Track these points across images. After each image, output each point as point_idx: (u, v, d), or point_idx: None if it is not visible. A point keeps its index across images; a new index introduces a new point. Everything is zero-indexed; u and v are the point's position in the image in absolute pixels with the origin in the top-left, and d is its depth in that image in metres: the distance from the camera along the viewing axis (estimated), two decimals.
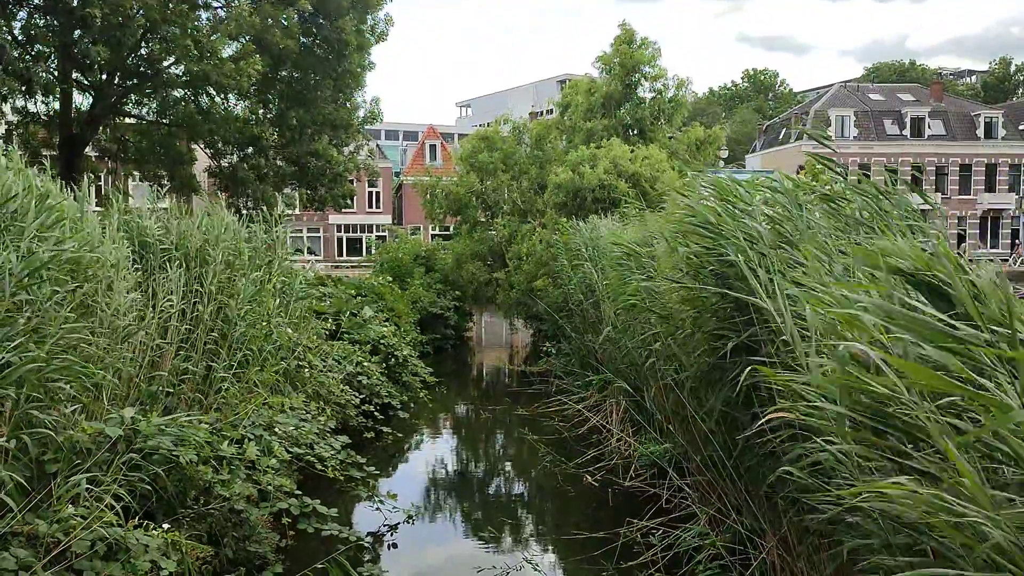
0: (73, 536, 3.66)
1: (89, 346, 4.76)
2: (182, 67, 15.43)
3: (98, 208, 7.25)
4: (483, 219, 21.32)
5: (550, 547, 6.96)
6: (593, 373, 10.46)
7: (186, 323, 6.21)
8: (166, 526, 4.17)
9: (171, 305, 5.97)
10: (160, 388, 5.57)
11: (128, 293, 5.21)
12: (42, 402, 4.08)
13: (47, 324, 4.07)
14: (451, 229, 25.09)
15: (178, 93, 16.52)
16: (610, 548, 6.51)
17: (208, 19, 16.13)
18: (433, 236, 33.19)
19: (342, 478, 7.06)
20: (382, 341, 12.09)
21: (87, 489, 4.10)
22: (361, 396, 9.90)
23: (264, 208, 13.70)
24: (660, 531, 6.41)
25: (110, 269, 5.18)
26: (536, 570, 6.42)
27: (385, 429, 9.45)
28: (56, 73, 15.45)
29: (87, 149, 17.02)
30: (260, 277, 7.66)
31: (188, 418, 5.22)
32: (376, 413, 10.09)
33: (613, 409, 9.78)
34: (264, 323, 7.34)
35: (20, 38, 15.20)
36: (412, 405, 11.67)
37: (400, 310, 15.64)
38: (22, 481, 3.71)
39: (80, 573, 3.79)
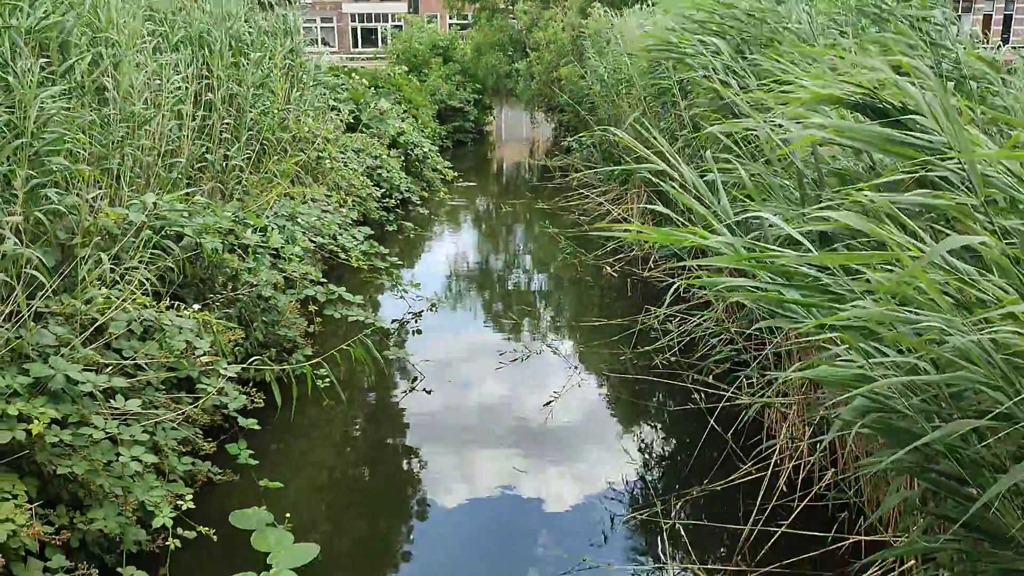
0: (109, 315, 3.78)
1: (98, 129, 4.72)
2: None
3: None
4: (503, 5, 20.34)
5: (569, 334, 7.18)
6: (615, 165, 10.33)
7: (199, 109, 6.09)
8: (197, 307, 4.29)
9: (182, 88, 5.83)
10: (179, 175, 5.56)
11: (139, 72, 5.07)
12: (49, 181, 4.07)
13: (31, 101, 3.98)
14: (469, 17, 24.05)
15: None
16: (627, 334, 6.71)
17: None
18: (450, 25, 31.89)
19: (366, 268, 7.19)
20: (401, 136, 11.93)
21: (117, 273, 4.19)
22: (381, 190, 9.90)
23: None
24: (677, 318, 6.57)
25: (119, 46, 5.02)
26: (555, 354, 6.65)
27: (406, 223, 9.52)
28: None
29: None
30: (270, 62, 7.44)
31: (208, 202, 5.24)
32: (397, 207, 10.13)
33: (634, 201, 9.75)
34: (277, 111, 7.21)
35: None
36: (432, 200, 11.69)
37: (418, 103, 15.31)
38: (46, 265, 3.78)
39: (119, 352, 3.95)
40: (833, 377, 2.66)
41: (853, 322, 2.48)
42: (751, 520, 4.02)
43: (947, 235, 2.60)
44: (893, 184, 3.03)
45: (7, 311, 3.51)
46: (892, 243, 2.43)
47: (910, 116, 3.02)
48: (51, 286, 3.65)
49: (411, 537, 4.32)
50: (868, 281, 2.65)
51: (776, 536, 3.95)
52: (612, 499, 4.57)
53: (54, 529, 3.24)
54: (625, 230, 3.72)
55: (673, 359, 6.14)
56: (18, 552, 3.09)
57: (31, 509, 3.15)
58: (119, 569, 3.36)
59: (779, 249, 3.14)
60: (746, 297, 3.39)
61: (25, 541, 3.05)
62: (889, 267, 2.65)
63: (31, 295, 3.56)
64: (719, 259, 3.24)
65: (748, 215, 3.67)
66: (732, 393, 5.12)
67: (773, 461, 4.41)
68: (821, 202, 3.50)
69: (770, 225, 3.53)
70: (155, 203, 4.43)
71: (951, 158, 2.70)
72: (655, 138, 4.25)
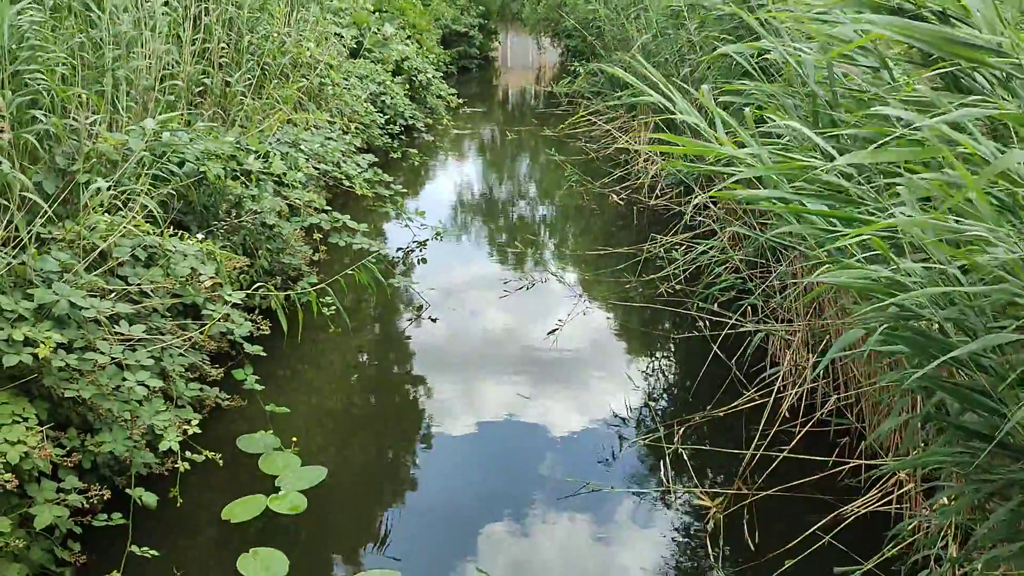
0: (111, 240, 3.76)
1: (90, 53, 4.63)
2: None
3: None
4: None
5: (575, 262, 7.16)
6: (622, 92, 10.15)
7: (197, 32, 5.97)
8: (200, 236, 4.27)
9: (177, 10, 5.70)
10: (178, 99, 5.48)
11: None
12: (41, 105, 4.01)
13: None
14: None
15: None
16: (633, 262, 6.69)
17: None
18: None
19: (370, 196, 7.15)
20: (405, 62, 11.72)
21: (118, 199, 4.16)
22: (385, 117, 9.78)
23: None
24: (683, 246, 6.54)
25: None
26: (561, 282, 6.65)
27: (411, 150, 9.41)
28: None
29: None
30: None
31: (210, 125, 5.18)
32: (401, 135, 10.01)
33: (642, 129, 9.61)
34: (277, 35, 7.06)
35: None
36: (436, 127, 11.55)
37: (422, 28, 15.00)
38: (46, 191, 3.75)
39: (124, 279, 3.95)
40: (861, 285, 2.60)
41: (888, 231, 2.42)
42: (753, 445, 4.06)
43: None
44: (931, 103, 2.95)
45: (6, 235, 3.49)
46: (948, 155, 2.36)
47: (952, 21, 2.93)
48: (48, 210, 3.62)
49: (416, 462, 4.38)
50: (898, 194, 2.61)
51: (777, 461, 4.00)
52: (616, 425, 4.62)
53: (65, 451, 3.28)
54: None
55: (678, 287, 6.13)
56: (31, 473, 3.14)
57: (42, 432, 3.18)
58: (128, 490, 3.42)
59: (807, 158, 3.05)
60: (776, 210, 3.33)
61: (38, 462, 3.10)
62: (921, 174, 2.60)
63: (30, 222, 3.54)
64: (745, 172, 3.17)
65: (771, 127, 3.57)
66: (736, 321, 5.12)
67: (776, 388, 4.44)
68: (836, 124, 3.44)
69: (794, 133, 3.45)
70: (155, 129, 4.37)
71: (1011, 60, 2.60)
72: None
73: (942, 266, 2.37)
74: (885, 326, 2.63)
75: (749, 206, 4.74)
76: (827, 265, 3.04)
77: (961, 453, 2.55)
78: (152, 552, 3.37)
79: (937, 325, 2.53)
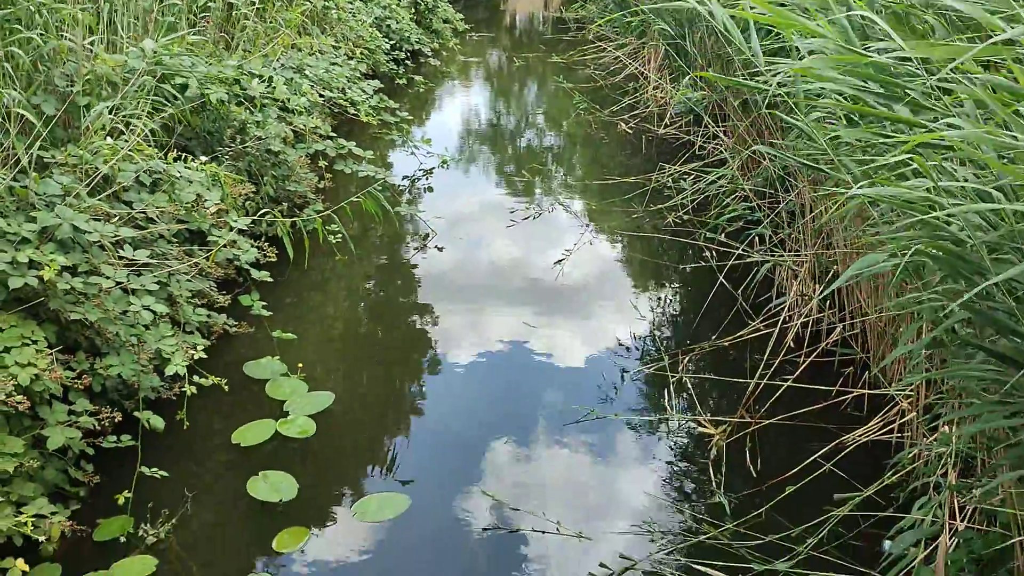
0: (113, 162, 3.73)
1: None
2: None
3: None
4: None
5: (582, 191, 7.10)
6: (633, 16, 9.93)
7: None
8: (204, 159, 4.23)
9: None
10: (178, 20, 5.38)
11: None
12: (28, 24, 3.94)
13: None
14: None
15: None
16: (641, 192, 6.63)
17: None
18: None
19: (375, 123, 7.06)
20: None
21: (119, 123, 4.11)
22: (391, 42, 9.60)
23: None
24: (692, 176, 6.47)
25: None
26: (568, 212, 6.61)
27: (416, 77, 9.26)
28: None
29: None
30: None
31: (210, 44, 5.09)
32: (406, 60, 9.84)
33: (652, 56, 9.43)
34: None
35: None
36: (443, 52, 11.34)
37: None
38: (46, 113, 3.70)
39: (129, 204, 3.93)
40: (898, 199, 2.54)
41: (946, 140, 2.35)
42: (757, 375, 4.08)
43: None
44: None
45: (5, 156, 3.46)
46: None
47: None
48: (45, 132, 3.58)
49: (423, 388, 4.42)
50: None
51: (781, 390, 4.02)
52: (621, 354, 4.64)
53: (75, 374, 3.32)
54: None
55: (686, 217, 6.09)
56: (43, 395, 3.18)
57: (51, 355, 3.21)
58: (136, 413, 3.46)
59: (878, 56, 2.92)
60: (841, 109, 3.23)
61: (48, 384, 3.13)
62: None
63: (30, 145, 3.50)
64: (812, 62, 3.05)
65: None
66: (743, 251, 5.10)
67: (782, 318, 4.44)
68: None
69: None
70: (155, 50, 4.29)
71: None
72: None
73: (984, 187, 2.31)
74: (918, 245, 2.56)
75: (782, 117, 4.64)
76: (837, 191, 2.99)
77: (990, 370, 2.54)
78: (162, 473, 3.43)
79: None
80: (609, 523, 3.43)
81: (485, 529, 3.41)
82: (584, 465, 3.80)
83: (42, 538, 3.00)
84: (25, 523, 2.88)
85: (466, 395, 4.38)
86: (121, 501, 3.32)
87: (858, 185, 2.79)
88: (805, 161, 3.77)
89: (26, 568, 2.89)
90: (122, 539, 3.26)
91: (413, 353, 4.74)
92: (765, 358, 4.17)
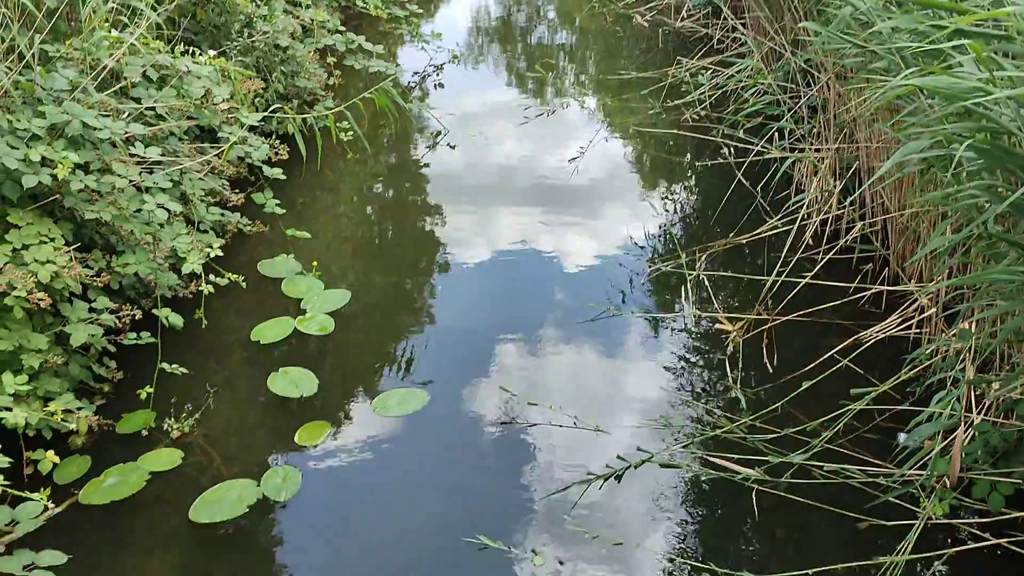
0: (118, 54, 3.63)
1: None
2: None
3: None
4: None
5: (597, 88, 6.94)
6: None
7: None
8: (213, 53, 4.12)
9: None
10: None
11: None
12: None
13: None
14: None
15: None
16: (657, 87, 6.47)
17: None
18: None
19: (384, 17, 6.86)
20: None
21: (123, 15, 3.99)
22: None
23: None
24: (710, 71, 6.30)
25: None
26: (582, 109, 6.47)
27: None
28: None
29: None
30: None
31: None
32: None
33: None
34: None
35: None
36: None
37: None
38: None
39: (137, 100, 3.85)
40: (948, 88, 2.46)
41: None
42: (775, 272, 4.06)
43: None
44: None
45: (8, 49, 3.36)
46: None
47: None
48: (48, 25, 3.48)
49: (435, 288, 4.41)
50: None
51: (799, 287, 4.00)
52: (636, 253, 4.61)
53: (93, 272, 3.32)
54: None
55: (704, 113, 5.96)
56: (62, 293, 3.19)
57: (69, 252, 3.20)
58: (155, 311, 3.47)
59: None
60: None
61: (68, 282, 3.14)
62: None
63: (32, 39, 3.40)
64: None
65: None
66: (763, 147, 5.00)
67: (801, 215, 4.38)
68: None
69: None
70: None
71: None
72: None
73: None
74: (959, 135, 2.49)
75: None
76: (857, 86, 2.90)
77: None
78: (182, 370, 3.47)
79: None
80: (625, 418, 3.47)
81: (503, 423, 3.46)
82: (600, 362, 3.83)
83: (72, 426, 3.06)
84: (53, 414, 2.93)
85: (480, 295, 4.38)
86: (143, 396, 3.38)
87: (905, 73, 2.69)
88: (853, 41, 3.56)
89: (56, 460, 2.96)
90: (145, 432, 3.33)
91: (426, 252, 4.72)
92: (783, 255, 4.14)
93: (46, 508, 2.49)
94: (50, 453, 2.96)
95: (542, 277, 4.48)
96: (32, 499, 2.50)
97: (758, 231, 4.52)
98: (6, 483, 2.36)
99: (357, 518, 3.10)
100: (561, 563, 2.88)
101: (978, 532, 2.85)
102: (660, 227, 4.86)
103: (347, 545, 2.99)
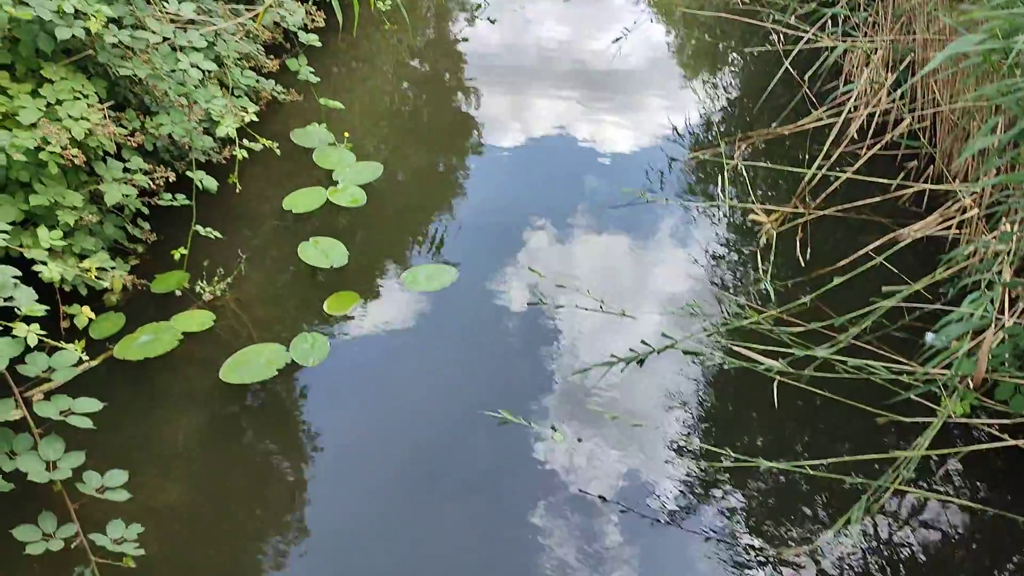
0: None
1: None
2: None
3: None
4: None
5: None
6: None
7: None
8: None
9: None
10: None
11: None
12: None
13: None
14: None
15: None
16: None
17: None
18: None
19: None
20: None
21: None
22: None
23: None
24: None
25: None
26: None
27: None
28: None
29: None
30: None
31: None
32: None
33: None
34: None
35: None
36: None
37: None
38: None
39: None
40: None
41: None
42: (815, 165, 3.95)
43: None
44: None
45: None
46: None
47: None
48: None
49: (468, 168, 4.37)
50: None
51: (839, 182, 3.91)
52: (675, 140, 4.51)
53: (127, 132, 3.31)
54: None
55: None
56: (96, 151, 3.19)
57: (103, 110, 3.19)
58: (189, 173, 3.48)
59: None
60: None
61: (102, 140, 3.13)
62: None
63: None
64: None
65: None
66: (813, 35, 4.79)
67: (848, 108, 4.24)
68: None
69: None
70: None
71: None
72: None
73: None
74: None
75: None
76: None
77: None
78: (215, 234, 3.50)
79: None
80: (652, 304, 3.48)
81: (530, 304, 3.47)
82: (630, 249, 3.80)
83: (106, 284, 3.12)
84: (88, 271, 2.98)
85: (513, 178, 4.33)
86: (177, 257, 3.42)
87: None
88: None
89: (92, 316, 3.03)
90: (178, 293, 3.39)
91: (460, 131, 4.65)
92: (825, 148, 4.02)
93: (81, 360, 2.56)
94: (85, 309, 3.03)
95: (577, 162, 4.42)
96: (68, 348, 2.57)
97: (802, 123, 4.39)
98: (42, 332, 2.42)
99: (381, 387, 3.16)
100: (580, 440, 2.94)
101: (996, 433, 2.86)
102: (701, 115, 4.73)
103: (370, 412, 3.07)
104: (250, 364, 3.15)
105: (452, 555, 2.62)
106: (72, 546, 2.34)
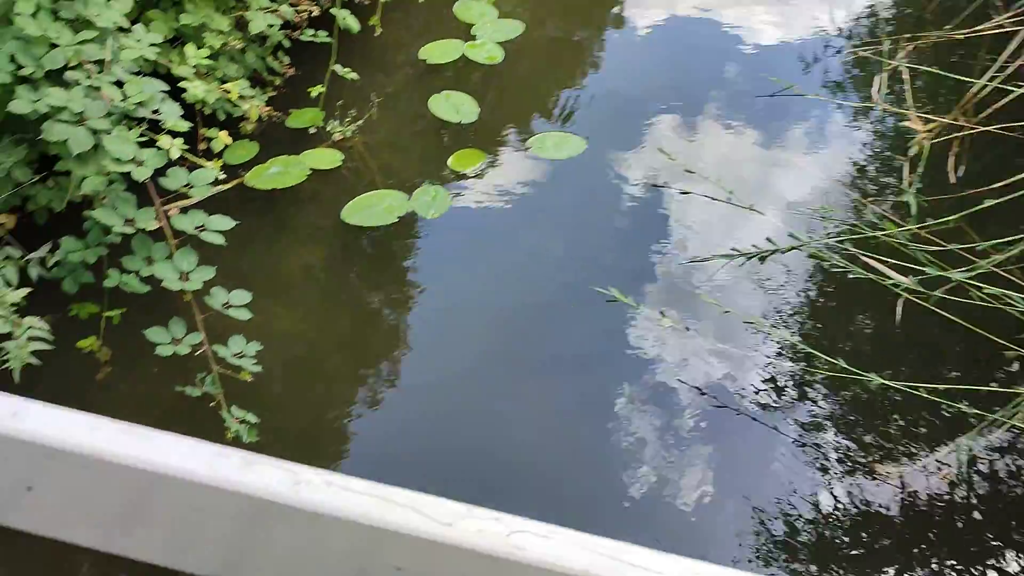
0: None
1: None
2: None
3: None
4: None
5: None
6: None
7: None
8: None
9: None
10: None
11: None
12: None
13: None
14: None
15: None
16: None
17: None
18: None
19: None
20: None
21: None
22: None
23: None
24: None
25: None
26: None
27: None
28: None
29: None
30: None
31: None
32: None
33: None
34: None
35: None
36: None
37: None
38: None
39: None
40: None
41: None
42: (987, 76, 3.64)
43: None
44: None
45: None
46: None
47: None
48: None
49: (606, 41, 4.21)
50: None
51: (1010, 96, 3.59)
52: (832, 35, 4.21)
53: None
54: None
55: None
56: None
57: None
58: (332, 10, 3.46)
59: None
60: None
61: None
62: None
63: None
64: None
65: None
66: None
67: None
68: None
69: None
70: None
71: None
72: None
73: None
74: None
75: None
76: None
77: None
78: (352, 75, 3.51)
79: None
80: (784, 202, 3.34)
81: (656, 186, 3.39)
82: (767, 142, 3.63)
83: (244, 111, 3.19)
84: (229, 95, 3.04)
85: (652, 57, 4.15)
86: (314, 94, 3.45)
87: None
88: None
89: (229, 141, 3.12)
90: (311, 130, 3.44)
91: (604, 2, 4.45)
92: (1002, 59, 3.68)
93: (217, 180, 2.65)
94: (223, 133, 3.11)
95: (722, 48, 4.18)
96: (206, 167, 2.66)
97: (979, 28, 4.01)
98: (185, 147, 2.51)
99: (496, 247, 3.19)
100: (687, 328, 2.91)
101: None
102: (866, 6, 4.38)
103: (482, 271, 3.10)
104: (371, 208, 3.20)
105: (536, 423, 2.68)
106: (196, 353, 2.49)
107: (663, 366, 2.82)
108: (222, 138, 3.10)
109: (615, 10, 4.40)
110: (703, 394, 2.78)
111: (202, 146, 3.21)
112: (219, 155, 3.16)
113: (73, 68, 2.45)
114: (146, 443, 0.60)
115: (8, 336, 2.22)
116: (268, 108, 3.37)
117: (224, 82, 3.22)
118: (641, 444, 2.62)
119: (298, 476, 0.58)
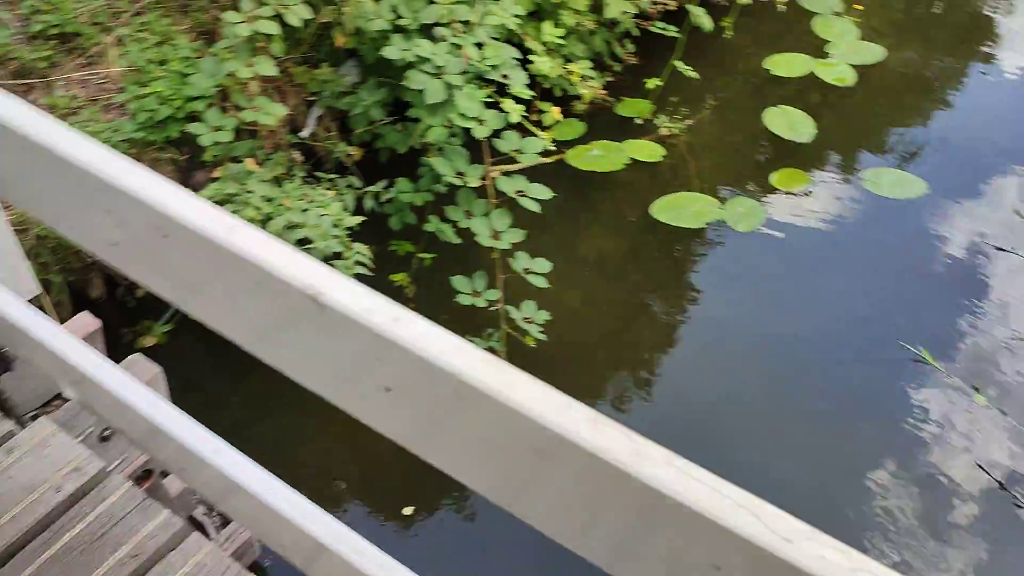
0: None
1: None
2: None
3: None
4: None
5: None
6: None
7: None
8: None
9: None
10: None
11: None
12: None
13: None
14: None
15: None
16: None
17: None
18: None
19: None
20: None
21: None
22: None
23: None
24: None
25: None
26: None
27: None
28: None
29: None
30: None
31: None
32: None
33: None
34: None
35: None
36: None
37: None
38: None
39: None
40: None
41: None
42: None
43: None
44: None
45: None
46: None
47: None
48: None
49: (966, 74, 3.80)
50: None
51: None
52: None
53: None
54: None
55: None
56: None
57: None
58: (688, 6, 3.42)
59: None
60: None
61: None
62: None
63: None
64: None
65: None
66: None
67: None
68: None
69: None
70: None
71: None
72: None
73: None
74: None
75: None
76: None
77: None
78: (692, 73, 3.46)
79: None
80: None
81: (998, 248, 3.02)
82: None
83: (581, 91, 3.25)
84: (571, 74, 3.12)
85: (1019, 106, 3.70)
86: (650, 86, 3.45)
87: None
88: None
89: (560, 117, 3.19)
90: (638, 121, 3.44)
91: (974, 34, 4.03)
92: None
93: (547, 151, 2.73)
94: (556, 109, 3.19)
95: None
96: (539, 136, 2.74)
97: None
98: (525, 114, 2.60)
99: (799, 275, 3.01)
100: (1004, 413, 2.57)
101: None
102: None
103: (769, 298, 2.93)
104: (681, 209, 3.15)
105: (792, 469, 2.49)
106: (490, 309, 2.59)
107: (963, 443, 2.52)
108: (554, 113, 3.18)
109: (986, 47, 3.98)
110: (1003, 488, 2.45)
111: (534, 117, 3.33)
112: (547, 129, 3.25)
113: (443, 25, 2.62)
114: (503, 376, 0.60)
115: (338, 256, 2.44)
116: (604, 92, 3.41)
117: (568, 61, 3.30)
118: (904, 524, 2.36)
119: (641, 448, 0.56)
